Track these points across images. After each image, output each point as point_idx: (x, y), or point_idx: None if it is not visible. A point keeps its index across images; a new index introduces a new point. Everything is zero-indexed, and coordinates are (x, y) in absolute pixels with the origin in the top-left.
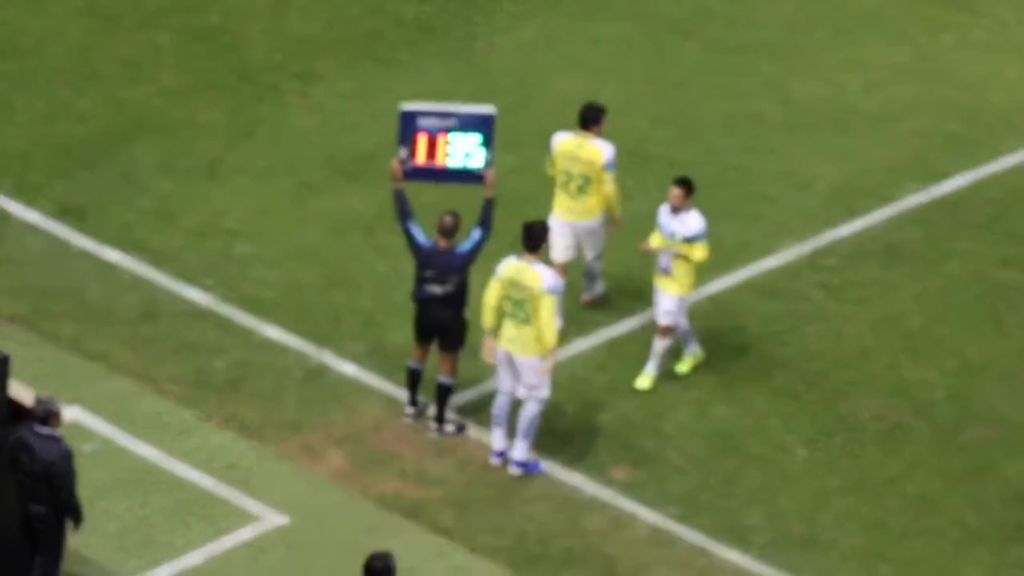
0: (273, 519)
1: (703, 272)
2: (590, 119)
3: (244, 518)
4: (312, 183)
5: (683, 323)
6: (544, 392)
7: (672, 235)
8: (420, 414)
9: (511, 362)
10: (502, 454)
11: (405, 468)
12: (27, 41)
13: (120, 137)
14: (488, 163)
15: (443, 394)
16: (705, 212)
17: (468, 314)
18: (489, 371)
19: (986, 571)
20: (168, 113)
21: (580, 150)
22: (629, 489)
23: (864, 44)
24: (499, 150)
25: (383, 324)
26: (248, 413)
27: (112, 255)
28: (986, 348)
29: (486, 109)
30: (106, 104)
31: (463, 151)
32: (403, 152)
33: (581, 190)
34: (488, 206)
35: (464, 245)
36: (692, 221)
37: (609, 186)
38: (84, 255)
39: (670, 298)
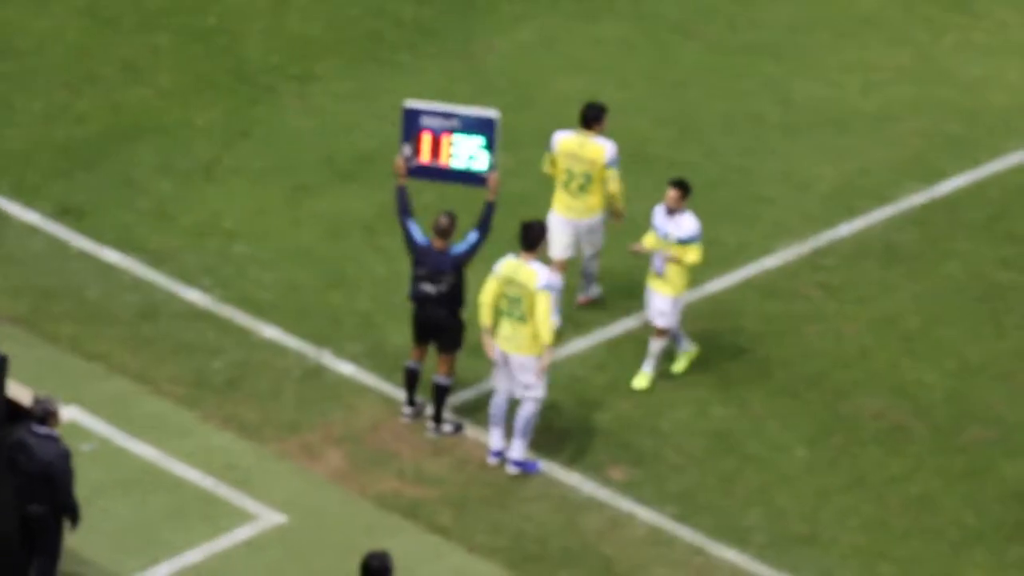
0: (271, 518)
1: (703, 272)
2: (592, 118)
3: (243, 517)
4: (310, 184)
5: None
6: (540, 392)
7: (666, 236)
8: (418, 414)
9: (508, 361)
10: (500, 454)
11: (403, 468)
12: (26, 42)
13: (119, 138)
14: (491, 166)
15: (440, 394)
16: (705, 212)
17: (465, 315)
18: (486, 371)
19: (986, 570)
20: (166, 114)
21: (582, 149)
22: (627, 488)
23: (865, 45)
24: (499, 151)
25: (381, 325)
26: (247, 413)
27: (111, 256)
28: (985, 348)
29: (489, 113)
30: (105, 105)
31: (467, 153)
32: (407, 149)
33: (582, 188)
34: (488, 210)
35: (459, 247)
36: (687, 223)
37: (613, 183)
38: (83, 256)
39: (664, 299)
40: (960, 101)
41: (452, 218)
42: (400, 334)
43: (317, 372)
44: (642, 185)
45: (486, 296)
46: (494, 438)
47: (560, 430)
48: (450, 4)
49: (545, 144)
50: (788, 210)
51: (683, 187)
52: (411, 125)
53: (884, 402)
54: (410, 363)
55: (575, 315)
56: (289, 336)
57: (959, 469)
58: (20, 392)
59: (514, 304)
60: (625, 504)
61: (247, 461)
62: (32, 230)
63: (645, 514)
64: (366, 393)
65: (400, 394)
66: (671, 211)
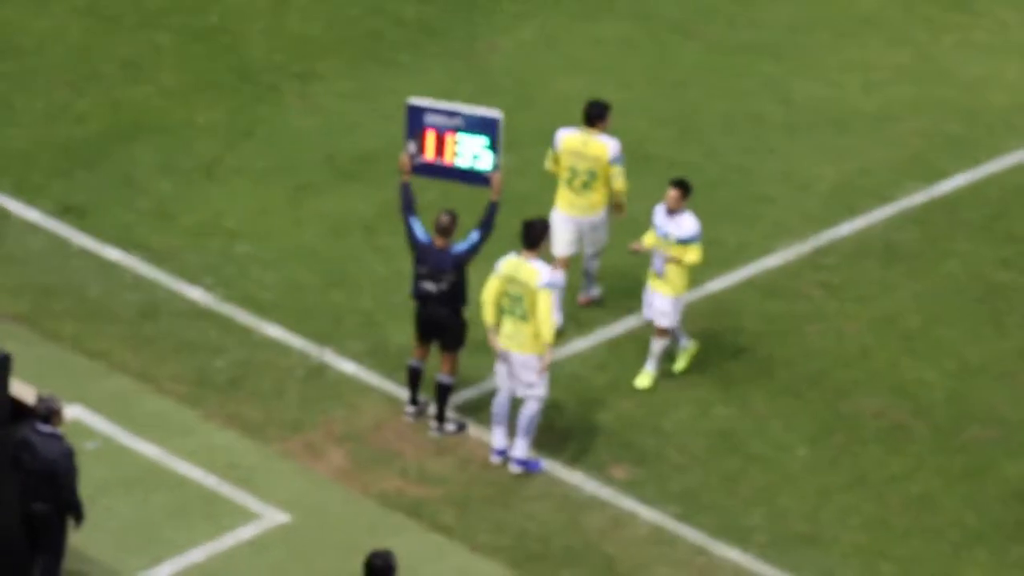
0: (274, 517)
1: (704, 272)
2: (595, 115)
3: (245, 516)
4: (312, 183)
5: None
6: (542, 391)
7: (666, 236)
8: (421, 413)
9: (510, 360)
10: (503, 453)
11: (406, 467)
12: (27, 41)
13: (120, 137)
14: (495, 166)
15: (443, 393)
16: (706, 212)
17: (467, 314)
18: (489, 370)
19: (986, 570)
20: (168, 113)
21: (586, 147)
22: (629, 488)
23: (865, 45)
24: (502, 151)
25: (383, 324)
26: (249, 412)
27: (112, 254)
28: (985, 348)
29: (492, 113)
30: (106, 104)
31: (471, 152)
32: (412, 146)
33: (586, 186)
34: (491, 209)
35: (460, 246)
36: (686, 223)
37: (619, 180)
38: (84, 254)
39: (664, 300)
40: (960, 101)
41: (453, 216)
42: (402, 333)
43: (319, 371)
44: (642, 185)
45: (488, 294)
46: (497, 437)
47: (562, 429)
48: (452, 3)
49: (546, 143)
50: (788, 210)
51: (683, 187)
52: (415, 122)
53: (885, 401)
54: (413, 362)
55: (577, 314)
56: (291, 335)
57: (960, 469)
58: (24, 390)
59: (515, 302)
60: (627, 503)
61: (250, 460)
62: (33, 228)
63: (647, 513)
64: (369, 392)
65: (403, 393)
66: (671, 211)
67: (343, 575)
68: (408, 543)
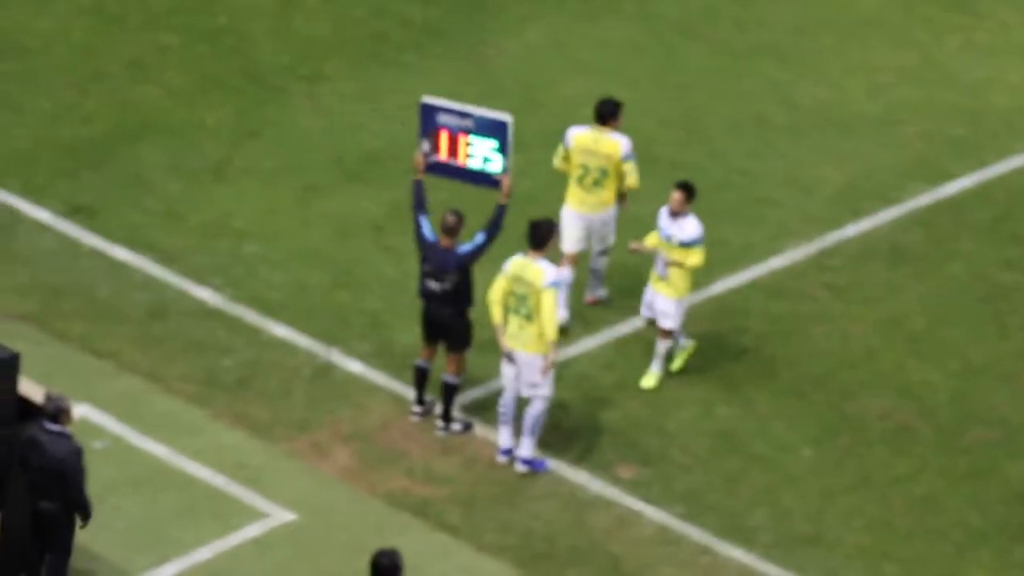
0: (281, 516)
1: (709, 273)
2: (607, 114)
3: (252, 515)
4: (319, 184)
5: None
6: (547, 390)
7: (669, 239)
8: (427, 413)
9: (515, 359)
10: (508, 452)
11: (412, 466)
12: (33, 42)
13: (126, 138)
14: (504, 169)
15: (449, 393)
16: (711, 214)
17: (473, 314)
18: (495, 370)
19: (990, 571)
20: (174, 114)
21: (597, 144)
22: (635, 487)
23: (869, 48)
24: (511, 154)
25: (390, 324)
26: (257, 412)
27: (121, 254)
28: (989, 349)
29: (501, 116)
30: (112, 105)
31: (482, 154)
32: (426, 145)
33: (597, 183)
34: (499, 212)
35: (464, 246)
36: (690, 226)
37: (632, 176)
38: (93, 254)
39: (667, 302)
40: (964, 103)
41: (459, 217)
42: (409, 333)
43: (327, 371)
44: (647, 186)
45: (495, 294)
46: (503, 437)
47: (568, 429)
48: (457, 5)
49: (552, 145)
50: (793, 211)
51: (687, 190)
52: (428, 121)
53: (889, 403)
54: (419, 361)
55: (583, 314)
56: (299, 335)
57: (963, 470)
58: (33, 390)
59: (521, 302)
60: (633, 503)
61: (257, 459)
62: (42, 228)
63: (653, 513)
64: (375, 392)
65: (409, 393)
66: (675, 213)
67: (349, 574)
68: (414, 542)
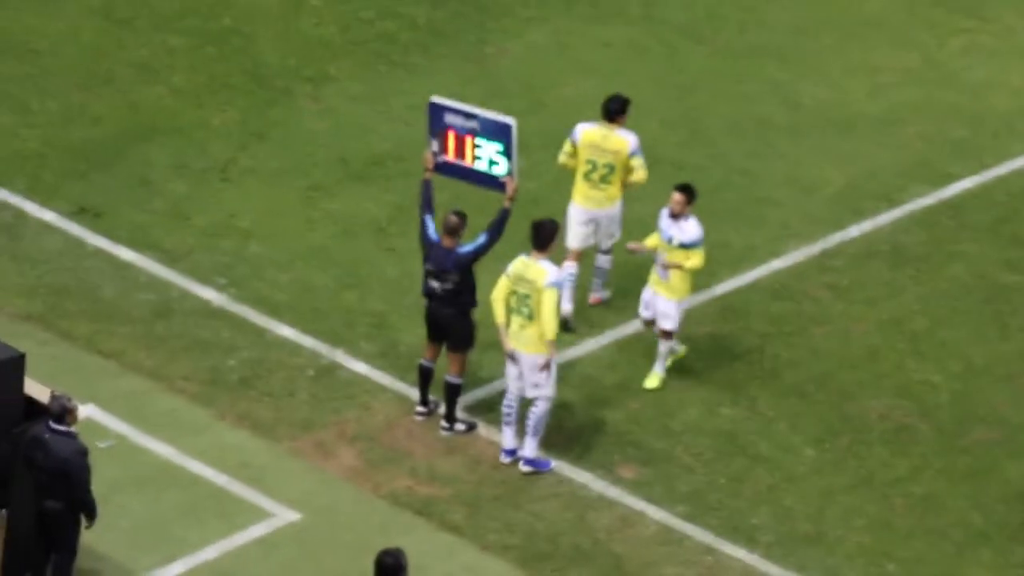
0: (285, 516)
1: (712, 274)
2: (616, 110)
3: (257, 515)
4: (324, 185)
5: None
6: (549, 390)
7: (670, 240)
8: (431, 413)
9: (518, 359)
10: (512, 452)
11: (416, 466)
12: (42, 44)
13: (134, 138)
14: (509, 172)
15: (451, 393)
16: (713, 214)
17: (476, 315)
18: (499, 370)
19: (990, 571)
20: (181, 115)
21: (606, 141)
22: (637, 487)
23: (871, 48)
24: (517, 157)
25: (395, 325)
26: (261, 411)
27: (127, 254)
28: (990, 350)
29: (505, 119)
30: (120, 106)
31: (488, 156)
32: (435, 144)
33: (604, 179)
34: (502, 215)
35: (466, 247)
36: (690, 228)
37: (640, 172)
38: (99, 254)
39: (668, 303)
40: (966, 105)
41: (462, 217)
42: (413, 334)
43: (331, 371)
44: (650, 187)
45: (498, 293)
46: (506, 437)
47: (571, 429)
48: (462, 7)
49: (556, 146)
50: (795, 212)
51: (688, 191)
52: (436, 120)
53: (890, 403)
54: (423, 361)
55: (587, 315)
56: (303, 335)
57: (964, 470)
58: (38, 389)
59: (523, 301)
60: (635, 503)
61: (261, 459)
62: (48, 229)
63: (655, 513)
64: (379, 392)
65: (413, 393)
66: (675, 215)
67: (354, 574)
68: (418, 542)
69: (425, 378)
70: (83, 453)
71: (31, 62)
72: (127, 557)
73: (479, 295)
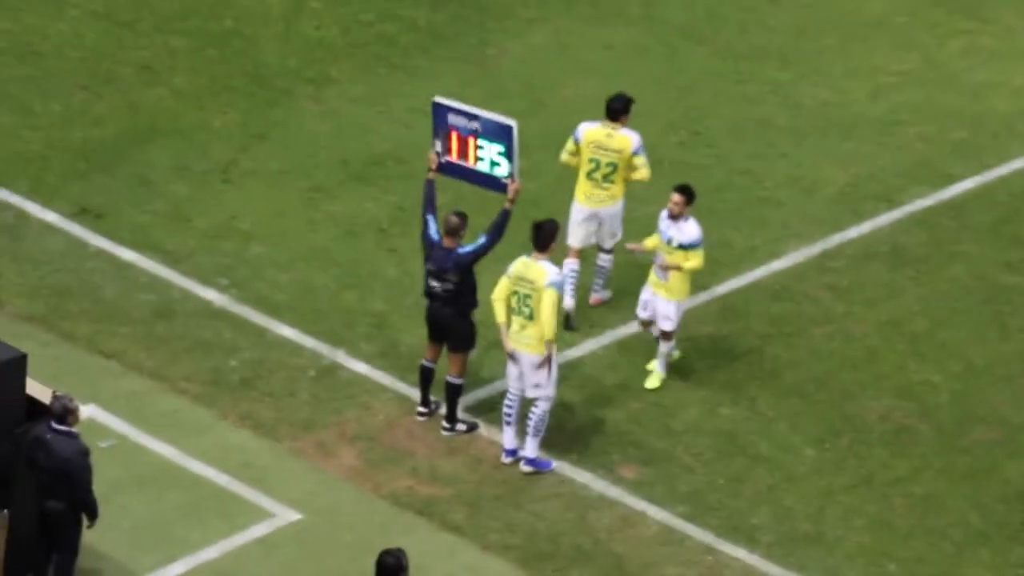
0: (287, 516)
1: (713, 274)
2: (619, 109)
3: (258, 515)
4: (325, 186)
5: (655, 331)
6: (550, 391)
7: (669, 241)
8: (432, 413)
9: (518, 359)
10: (513, 452)
11: (417, 466)
12: (44, 45)
13: (135, 140)
14: (510, 174)
15: (452, 393)
16: (714, 215)
17: (477, 316)
18: (500, 370)
19: (990, 570)
20: (183, 116)
21: (609, 139)
22: (638, 487)
23: (872, 50)
24: (518, 158)
25: (396, 326)
26: (262, 412)
27: (128, 255)
28: (990, 351)
29: (507, 120)
30: (122, 107)
31: (490, 157)
32: (438, 144)
33: (606, 178)
34: (502, 216)
35: (466, 248)
36: (689, 229)
37: (643, 170)
38: (100, 255)
39: (667, 304)
40: (966, 105)
41: (463, 218)
42: (414, 334)
43: (332, 371)
44: (650, 188)
45: (498, 293)
46: (507, 437)
47: (572, 429)
48: (462, 9)
49: (557, 147)
50: (796, 213)
51: (687, 193)
52: (439, 121)
53: (890, 403)
54: (424, 362)
55: (587, 315)
56: (304, 336)
57: (964, 470)
58: (40, 390)
59: (523, 302)
60: (636, 503)
61: (262, 459)
62: (50, 230)
63: (656, 513)
64: (380, 392)
65: (414, 393)
66: (674, 216)
67: (354, 574)
68: (419, 542)
69: (426, 378)
70: (85, 453)
71: (33, 63)
72: (128, 557)
73: (480, 295)
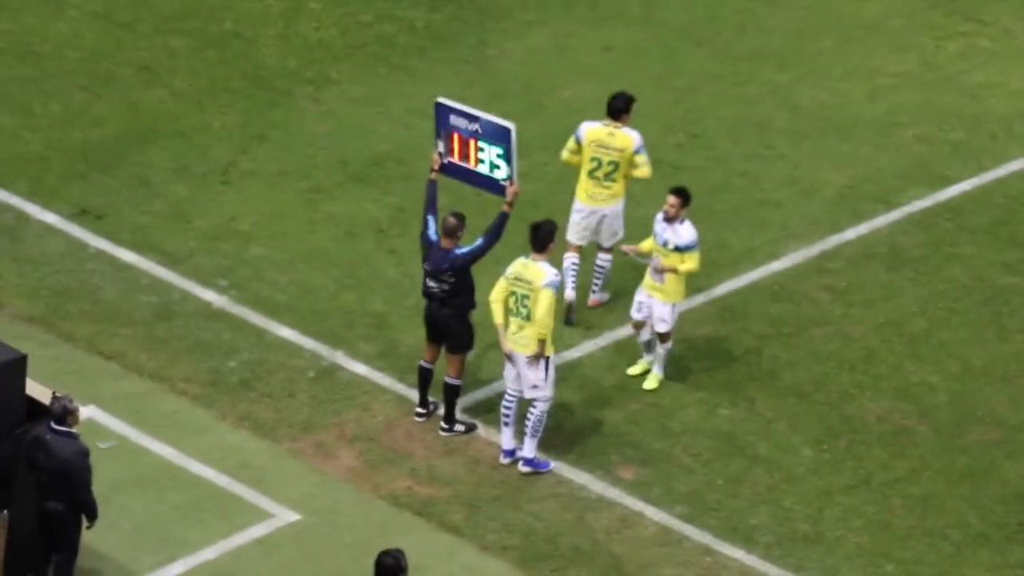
0: (286, 516)
1: (711, 275)
2: (621, 108)
3: (257, 515)
4: (325, 187)
5: (645, 335)
6: (548, 391)
7: (665, 244)
8: (430, 414)
9: (516, 360)
10: (511, 453)
11: (416, 467)
12: (44, 46)
13: (135, 141)
14: (508, 176)
15: (450, 394)
16: (712, 216)
17: (473, 317)
18: (498, 371)
19: (988, 571)
20: (182, 117)
21: (611, 138)
22: (636, 488)
23: (870, 52)
24: (517, 161)
25: (395, 326)
26: (261, 412)
27: (128, 256)
28: (988, 351)
29: (505, 123)
30: (122, 108)
31: (490, 159)
32: (441, 145)
33: (608, 176)
34: (500, 219)
35: (463, 249)
36: (685, 232)
37: (645, 168)
38: (100, 256)
39: (663, 307)
40: (964, 107)
41: (461, 219)
42: (413, 335)
43: (331, 372)
44: (649, 189)
45: (496, 294)
46: (505, 438)
47: (570, 430)
48: (461, 10)
49: (556, 148)
50: (794, 214)
51: (682, 195)
52: (442, 121)
53: (889, 404)
54: (423, 363)
55: (586, 317)
56: (304, 337)
57: (962, 470)
58: (40, 391)
59: (521, 302)
60: (634, 503)
61: (262, 460)
62: (50, 231)
63: (654, 513)
64: (379, 393)
65: (413, 394)
66: (670, 219)
67: (354, 574)
68: (418, 542)
69: (425, 379)
70: (84, 454)
71: (33, 64)
72: (128, 557)
73: (478, 297)
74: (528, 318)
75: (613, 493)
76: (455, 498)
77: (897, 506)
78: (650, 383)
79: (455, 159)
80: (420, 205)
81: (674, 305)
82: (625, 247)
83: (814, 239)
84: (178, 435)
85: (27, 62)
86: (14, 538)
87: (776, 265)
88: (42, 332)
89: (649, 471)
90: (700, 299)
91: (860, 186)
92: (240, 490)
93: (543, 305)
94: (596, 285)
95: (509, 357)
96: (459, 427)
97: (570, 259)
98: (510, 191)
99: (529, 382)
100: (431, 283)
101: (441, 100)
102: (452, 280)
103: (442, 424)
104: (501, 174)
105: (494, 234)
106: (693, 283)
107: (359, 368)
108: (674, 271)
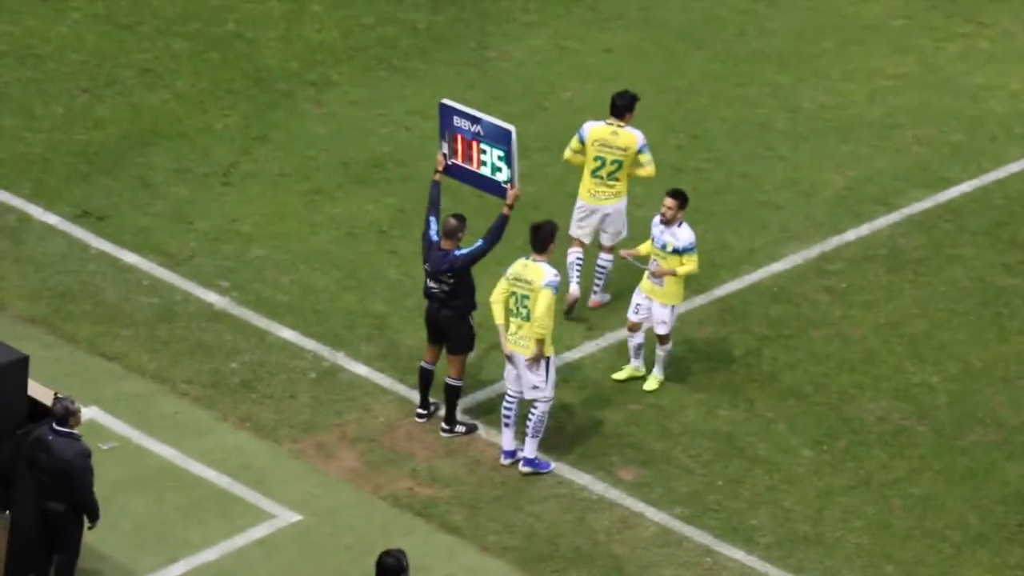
0: (287, 517)
1: (712, 276)
2: (624, 107)
3: (258, 516)
4: (326, 189)
5: (638, 339)
6: (548, 392)
7: (663, 246)
8: (431, 415)
9: (516, 361)
10: (512, 454)
11: (417, 468)
12: (46, 48)
13: (137, 142)
14: (509, 179)
15: (451, 395)
16: (713, 218)
17: (474, 318)
18: (499, 372)
19: (988, 571)
20: (184, 119)
21: (615, 137)
22: (636, 489)
23: (870, 54)
24: (518, 164)
25: (396, 327)
26: (263, 413)
27: (129, 258)
28: (988, 352)
29: (506, 125)
30: (124, 110)
31: (492, 161)
32: (444, 147)
33: (611, 175)
34: (500, 221)
35: (462, 250)
36: (683, 234)
37: (649, 166)
38: (102, 257)
39: (662, 309)
40: (964, 109)
41: (461, 220)
42: (413, 336)
43: (332, 373)
44: (649, 190)
45: (496, 295)
46: (506, 438)
47: (571, 431)
48: (463, 12)
49: (557, 149)
50: (795, 216)
51: (679, 197)
52: (446, 122)
53: (889, 405)
54: (424, 364)
55: (586, 317)
56: (305, 338)
57: (962, 471)
58: (41, 392)
59: (521, 303)
60: (634, 504)
61: (263, 461)
62: (52, 232)
63: (654, 514)
64: (380, 394)
65: (413, 395)
66: (667, 221)
67: (355, 575)
68: (418, 543)
69: (425, 380)
70: (86, 455)
71: (34, 66)
72: (129, 558)
73: (479, 298)
74: (528, 319)
75: (614, 494)
76: (456, 499)
77: (897, 507)
78: (650, 384)
79: (459, 161)
80: (421, 206)
81: (673, 307)
82: (623, 252)
83: (814, 240)
84: (179, 436)
85: (29, 64)
86: (15, 539)
87: (776, 266)
88: (44, 333)
89: (649, 472)
90: (700, 300)
91: (860, 187)
92: (241, 491)
93: (542, 305)
94: (597, 286)
95: (510, 358)
96: (460, 428)
97: (574, 254)
98: (510, 194)
99: (530, 383)
100: (431, 284)
101: (445, 102)
102: (452, 281)
103: (443, 425)
104: (502, 176)
105: (494, 236)
106: (693, 284)
107: (360, 369)
108: (673, 274)
